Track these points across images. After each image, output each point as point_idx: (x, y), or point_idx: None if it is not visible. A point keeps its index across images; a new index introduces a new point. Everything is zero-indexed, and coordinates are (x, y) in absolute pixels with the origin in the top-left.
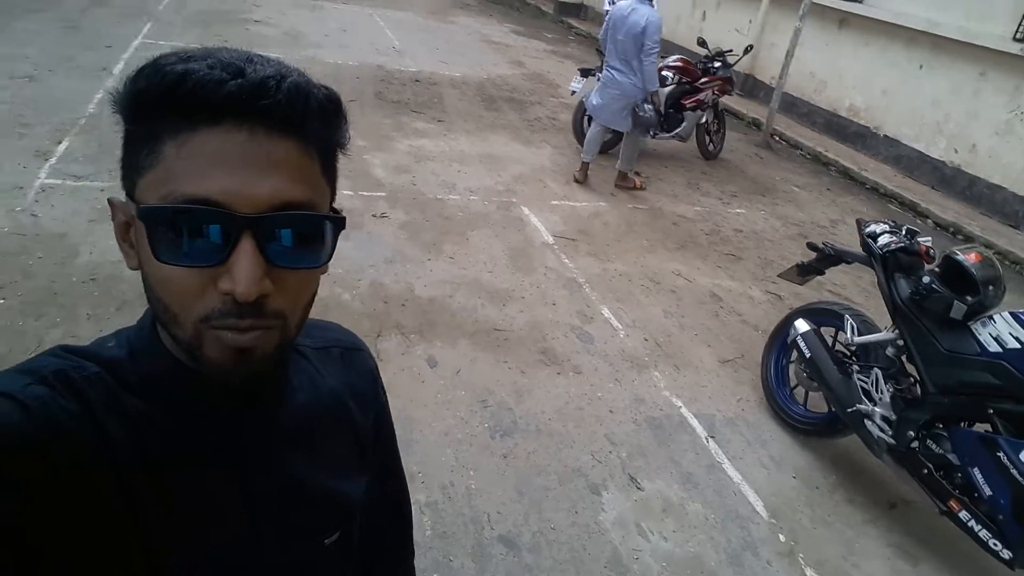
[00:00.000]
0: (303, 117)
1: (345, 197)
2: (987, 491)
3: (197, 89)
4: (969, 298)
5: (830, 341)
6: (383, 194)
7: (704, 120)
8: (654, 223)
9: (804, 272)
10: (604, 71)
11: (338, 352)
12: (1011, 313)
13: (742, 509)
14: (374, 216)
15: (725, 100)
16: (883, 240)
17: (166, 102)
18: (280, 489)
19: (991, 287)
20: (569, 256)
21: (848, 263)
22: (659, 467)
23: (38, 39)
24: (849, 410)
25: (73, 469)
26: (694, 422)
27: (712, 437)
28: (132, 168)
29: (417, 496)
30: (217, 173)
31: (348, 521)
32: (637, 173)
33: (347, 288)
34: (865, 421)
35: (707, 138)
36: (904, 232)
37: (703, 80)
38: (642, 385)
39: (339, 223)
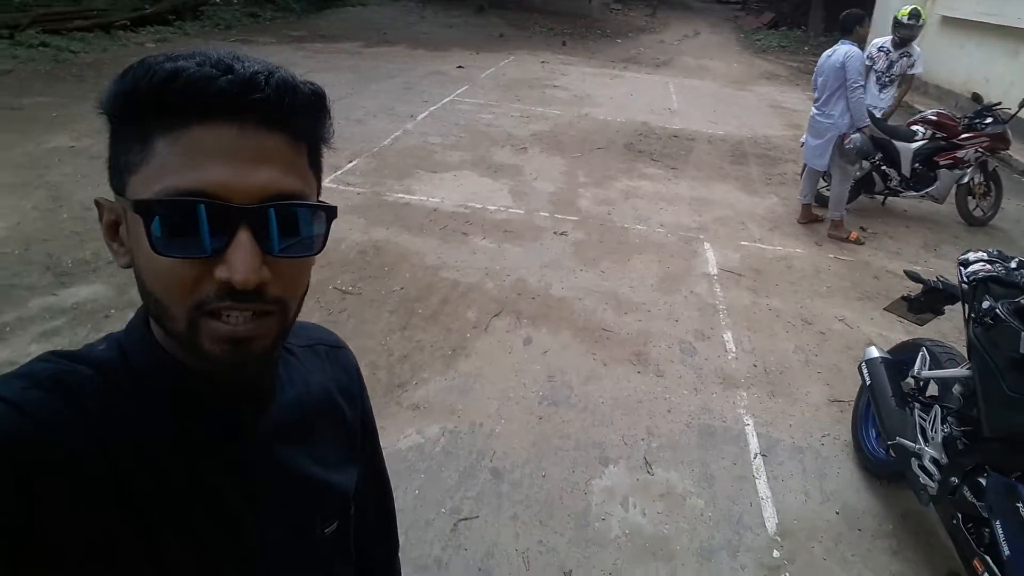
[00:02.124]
0: (291, 110)
1: (540, 217)
2: (1006, 550)
3: (189, 86)
4: None
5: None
6: (575, 219)
7: (967, 180)
8: (849, 274)
9: (916, 309)
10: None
11: (323, 350)
12: None
13: (748, 519)
14: (555, 233)
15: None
16: (973, 268)
17: (157, 100)
18: (278, 482)
19: None
20: (724, 287)
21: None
22: (683, 462)
23: (380, 96)
24: (891, 442)
25: (72, 471)
26: (752, 439)
27: (764, 456)
28: (122, 167)
29: (447, 423)
30: (211, 166)
31: (345, 511)
32: (863, 228)
33: (494, 279)
34: (912, 461)
35: (971, 201)
36: (1013, 263)
37: (964, 136)
38: (720, 400)
39: (331, 212)
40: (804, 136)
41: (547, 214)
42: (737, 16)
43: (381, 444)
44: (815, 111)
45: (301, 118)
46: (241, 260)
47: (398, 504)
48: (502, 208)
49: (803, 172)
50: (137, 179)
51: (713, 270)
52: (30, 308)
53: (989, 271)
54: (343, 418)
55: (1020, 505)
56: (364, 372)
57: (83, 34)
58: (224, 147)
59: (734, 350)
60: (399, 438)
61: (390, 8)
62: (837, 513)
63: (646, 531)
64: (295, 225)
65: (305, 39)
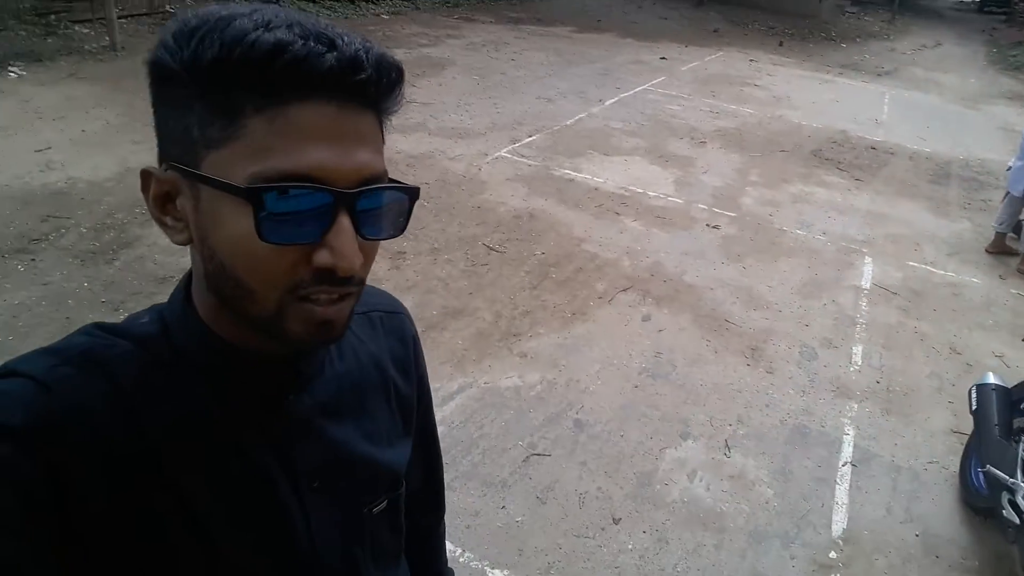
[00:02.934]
0: (387, 90)
1: (697, 208)
2: None
3: (297, 63)
4: None
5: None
6: (733, 214)
7: None
8: None
9: None
10: None
11: (378, 316)
12: None
13: (814, 518)
14: (707, 225)
15: None
16: None
17: (258, 75)
18: (324, 461)
19: None
20: (871, 302)
21: None
22: (764, 453)
23: (576, 79)
24: (982, 470)
25: (104, 452)
26: (847, 448)
27: (854, 465)
28: (196, 139)
29: (547, 374)
30: (313, 148)
31: (394, 489)
32: None
33: (632, 258)
34: (1004, 495)
35: None
36: None
37: None
38: (825, 406)
39: (414, 194)
40: (1012, 159)
41: (705, 207)
42: (995, 28)
43: (483, 381)
44: None
45: (389, 97)
46: (345, 246)
47: (485, 431)
48: (661, 195)
49: (1004, 198)
50: (222, 156)
51: (866, 284)
52: None
53: None
54: (397, 391)
55: None
56: (487, 319)
57: (332, 3)
58: (325, 128)
59: (859, 363)
60: (501, 378)
61: None
62: (917, 536)
63: (704, 503)
64: (388, 209)
65: (522, 21)
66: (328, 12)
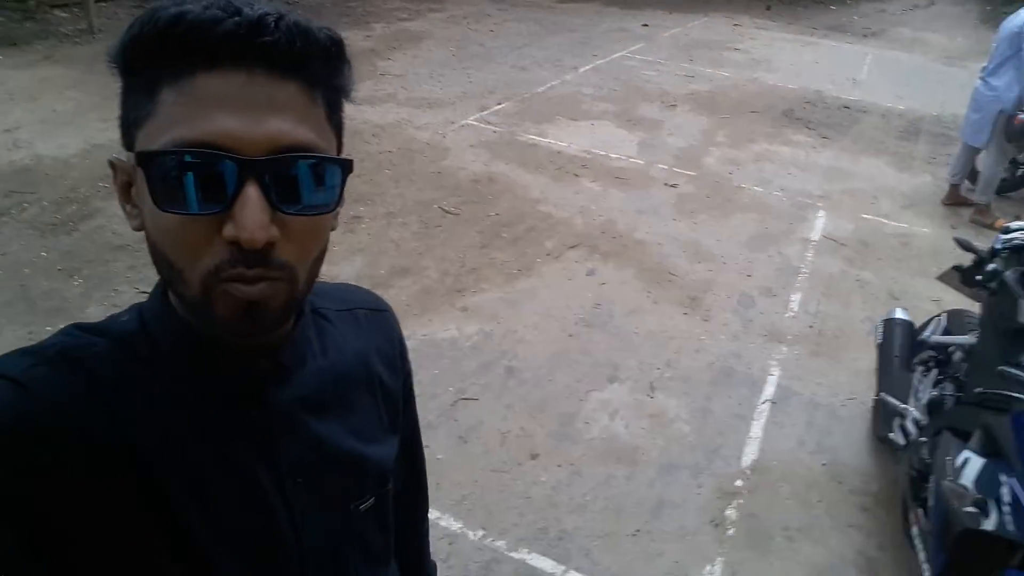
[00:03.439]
0: (304, 57)
1: (658, 168)
2: (931, 500)
3: (192, 29)
4: None
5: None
6: (693, 174)
7: None
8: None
9: (969, 281)
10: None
11: (363, 314)
12: None
13: (726, 451)
14: (665, 184)
15: None
16: (1013, 235)
17: (161, 46)
18: (308, 456)
19: None
20: (817, 253)
21: None
22: (687, 394)
23: (553, 48)
24: (875, 397)
25: (83, 450)
26: (769, 388)
27: (773, 403)
28: (130, 122)
29: (485, 326)
30: (217, 116)
31: (381, 485)
32: (1019, 218)
33: (585, 217)
34: (896, 420)
35: None
36: None
37: None
38: (755, 349)
39: (347, 166)
40: (967, 110)
41: (665, 167)
42: None
43: (421, 333)
44: (979, 82)
45: (315, 65)
46: (248, 216)
47: (417, 379)
48: (623, 157)
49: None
50: (144, 133)
51: (815, 236)
52: None
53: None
54: (383, 387)
55: (950, 459)
56: (433, 277)
57: None
58: (231, 95)
59: (795, 310)
60: (439, 331)
61: None
62: (824, 465)
63: (621, 439)
64: (307, 180)
65: None
66: None
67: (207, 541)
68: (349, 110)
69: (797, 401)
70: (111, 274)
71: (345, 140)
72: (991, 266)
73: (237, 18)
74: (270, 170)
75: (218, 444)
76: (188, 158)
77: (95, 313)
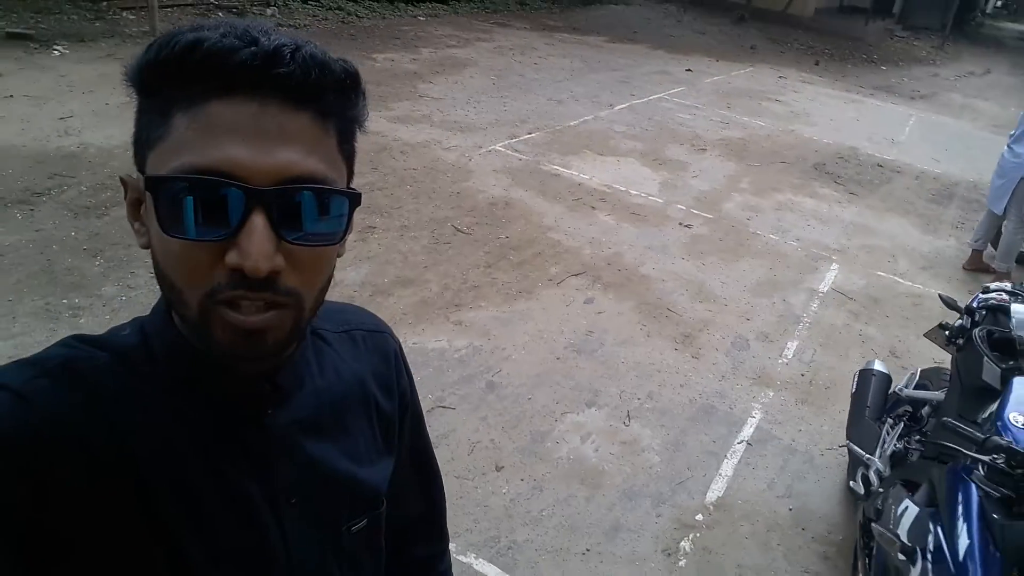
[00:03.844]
0: (319, 88)
1: (676, 208)
2: (875, 550)
3: (209, 57)
4: (1007, 363)
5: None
6: (710, 216)
7: None
8: None
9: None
10: None
11: (361, 335)
12: None
13: (692, 484)
14: (680, 224)
15: None
16: (990, 295)
17: (177, 71)
18: (303, 477)
19: None
20: (823, 304)
21: None
22: (663, 426)
23: (593, 85)
24: (842, 444)
25: (82, 462)
26: (748, 429)
27: (749, 444)
28: (143, 143)
29: (475, 340)
30: (227, 144)
31: (374, 508)
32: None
33: (594, 248)
34: (859, 470)
35: None
36: None
37: None
38: (741, 391)
39: (355, 199)
40: (992, 176)
41: (683, 207)
42: None
43: (412, 342)
44: (1005, 148)
45: (330, 97)
46: (253, 245)
47: None
48: (643, 194)
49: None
50: (154, 155)
51: (823, 288)
52: None
53: (1002, 300)
54: (378, 409)
55: (893, 508)
56: (434, 290)
57: (371, 2)
58: (243, 124)
59: (789, 357)
60: (430, 341)
61: (651, 10)
62: (790, 510)
63: (588, 462)
64: (314, 211)
65: (557, 29)
66: (367, 12)
67: (199, 557)
68: (382, 127)
69: (775, 445)
70: (131, 258)
71: (373, 155)
72: (958, 322)
73: (254, 48)
74: (277, 200)
75: (214, 462)
76: (196, 185)
77: (109, 292)
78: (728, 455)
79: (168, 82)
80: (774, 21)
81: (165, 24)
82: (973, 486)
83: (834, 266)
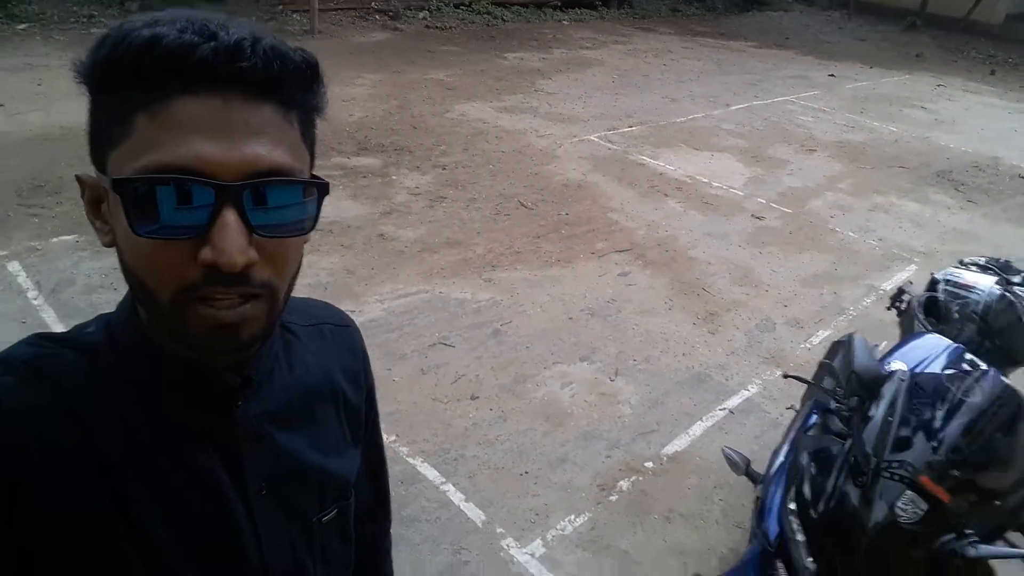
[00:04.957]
0: (280, 80)
1: (754, 201)
2: None
3: (168, 55)
4: (937, 327)
5: None
6: (788, 211)
7: None
8: None
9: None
10: None
11: (328, 329)
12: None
13: (654, 438)
14: (752, 215)
15: None
16: (956, 268)
17: (135, 70)
18: (273, 469)
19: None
20: (877, 302)
21: None
22: (648, 385)
23: (717, 86)
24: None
25: (49, 460)
26: (735, 399)
27: (731, 412)
28: (102, 141)
29: (497, 295)
30: (193, 140)
31: (344, 498)
32: None
33: (650, 230)
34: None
35: None
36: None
37: None
38: (745, 367)
39: (323, 189)
40: None
41: (763, 201)
42: None
43: (439, 291)
44: None
45: (291, 87)
46: (226, 241)
47: (413, 322)
48: (724, 187)
49: None
50: (117, 155)
51: (886, 286)
52: (329, 161)
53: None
54: (346, 401)
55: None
56: (478, 252)
57: (519, 8)
58: (207, 120)
59: (814, 344)
60: (455, 292)
61: (811, 16)
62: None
63: (559, 404)
64: (284, 203)
65: (702, 34)
66: (513, 16)
67: (172, 550)
68: (487, 115)
69: (758, 417)
70: None
71: (469, 138)
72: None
73: (213, 43)
74: (246, 195)
75: (184, 456)
76: (165, 184)
77: None
78: (704, 418)
79: (126, 80)
80: (952, 29)
81: (325, 24)
82: (815, 414)
83: (911, 267)
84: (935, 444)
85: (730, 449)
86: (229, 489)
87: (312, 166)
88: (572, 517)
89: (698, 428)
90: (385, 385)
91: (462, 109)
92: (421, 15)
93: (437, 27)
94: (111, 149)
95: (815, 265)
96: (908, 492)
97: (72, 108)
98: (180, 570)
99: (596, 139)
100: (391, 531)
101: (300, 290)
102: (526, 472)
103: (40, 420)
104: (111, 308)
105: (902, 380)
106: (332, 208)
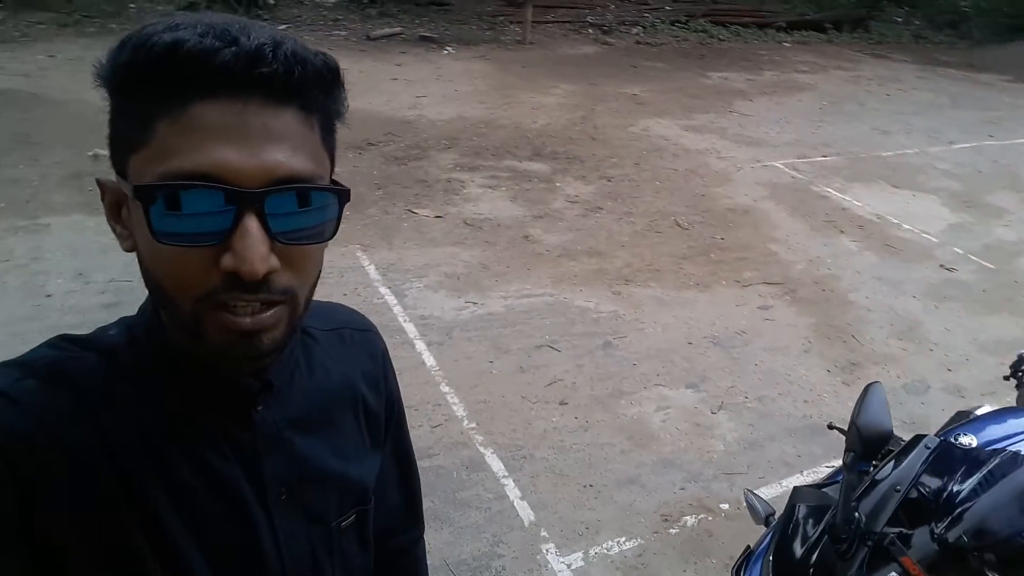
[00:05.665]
0: (301, 85)
1: (948, 250)
2: None
3: (189, 60)
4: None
5: None
6: (990, 266)
7: None
8: None
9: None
10: None
11: (349, 334)
12: None
13: (741, 480)
14: (940, 265)
15: None
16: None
17: (156, 75)
18: (292, 474)
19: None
20: None
21: None
22: (752, 427)
23: (942, 120)
24: None
25: (70, 464)
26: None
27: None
28: (122, 146)
29: (620, 309)
30: (214, 147)
31: (363, 503)
32: None
33: (811, 266)
34: None
35: None
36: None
37: None
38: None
39: (344, 196)
40: None
41: (961, 251)
42: None
43: (564, 296)
44: None
45: (312, 92)
46: (248, 248)
47: (529, 323)
48: (916, 230)
49: None
50: (138, 160)
51: None
52: (501, 163)
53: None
54: (366, 407)
55: None
56: (616, 265)
57: (739, 27)
58: (229, 126)
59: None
60: (580, 300)
61: None
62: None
63: (647, 427)
64: (305, 210)
65: (946, 64)
66: (730, 36)
67: (193, 555)
68: (670, 132)
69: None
70: (404, 195)
71: (644, 153)
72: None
73: (235, 48)
74: (268, 201)
75: (203, 461)
76: (187, 191)
77: (372, 212)
78: (804, 472)
79: (146, 85)
80: None
81: (537, 36)
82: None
83: None
84: (947, 521)
85: (754, 494)
86: (249, 494)
87: (332, 171)
88: (623, 539)
89: (794, 481)
90: (482, 375)
91: (646, 124)
92: (634, 31)
93: (647, 43)
94: (132, 154)
95: (1003, 330)
96: (893, 573)
97: None
98: (200, 572)
99: (781, 166)
100: (424, 538)
101: (434, 277)
102: (590, 485)
103: (61, 424)
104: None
105: (928, 448)
106: (489, 206)
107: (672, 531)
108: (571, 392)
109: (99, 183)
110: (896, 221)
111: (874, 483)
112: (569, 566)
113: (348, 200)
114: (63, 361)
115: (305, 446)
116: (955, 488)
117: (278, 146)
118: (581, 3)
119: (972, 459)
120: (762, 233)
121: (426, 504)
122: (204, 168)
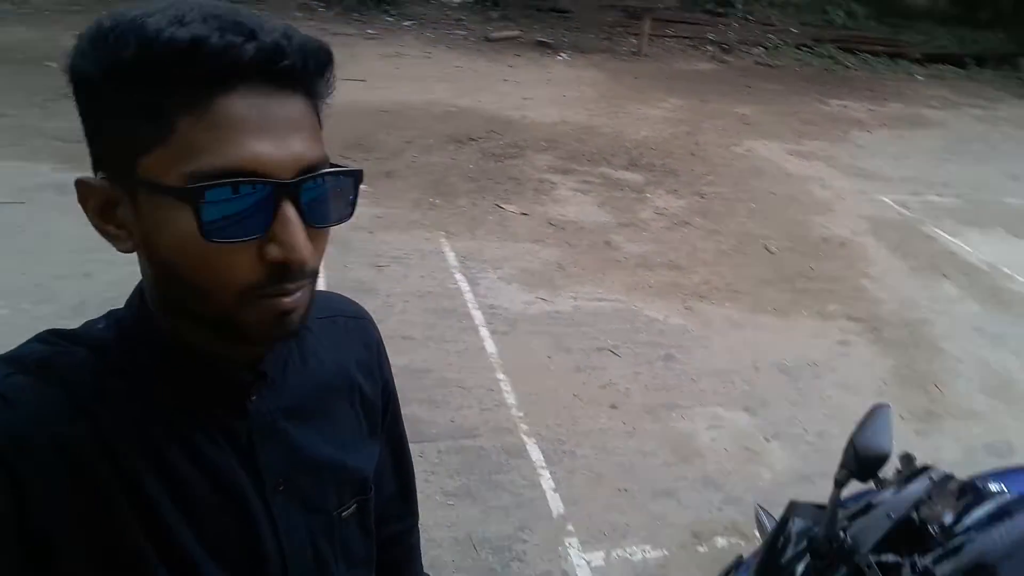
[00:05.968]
0: (309, 74)
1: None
2: None
3: (214, 57)
4: None
5: None
6: None
7: None
8: None
9: None
10: None
11: (343, 321)
12: None
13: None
14: None
15: None
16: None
17: (175, 72)
18: (289, 464)
19: None
20: None
21: None
22: (805, 459)
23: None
24: None
25: (62, 460)
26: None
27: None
28: (122, 145)
29: (689, 324)
30: (247, 141)
31: (363, 492)
32: None
33: (901, 307)
34: None
35: None
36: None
37: None
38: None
39: (358, 176)
40: None
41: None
42: None
43: (634, 305)
44: None
45: (315, 80)
46: (293, 237)
47: (595, 326)
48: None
49: None
50: (155, 158)
51: None
52: (596, 169)
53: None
54: (362, 395)
55: None
56: (694, 281)
57: (868, 55)
58: (254, 119)
59: None
60: (650, 310)
61: None
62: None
63: (694, 443)
64: (332, 195)
65: None
66: (858, 63)
67: (192, 548)
68: (775, 154)
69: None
70: (495, 190)
71: (743, 173)
72: None
73: (255, 42)
74: (302, 190)
75: (200, 452)
76: (233, 188)
77: (461, 202)
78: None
79: (162, 81)
80: None
81: (654, 49)
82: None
83: None
84: (938, 554)
85: (765, 510)
86: (246, 485)
87: None
88: (648, 548)
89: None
90: (539, 369)
91: (750, 145)
92: (755, 51)
93: (767, 64)
94: (143, 153)
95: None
96: None
97: (406, 90)
98: (201, 564)
99: (889, 200)
100: (418, 527)
101: (509, 270)
102: (625, 489)
103: (53, 420)
104: None
105: (932, 479)
106: (575, 209)
107: (700, 549)
108: (623, 398)
109: (82, 183)
110: (1009, 272)
111: (870, 506)
112: (589, 563)
113: (362, 181)
114: (53, 356)
115: (300, 435)
116: (953, 522)
117: (299, 135)
118: (703, 20)
119: (977, 496)
120: (856, 268)
121: (461, 480)
122: (241, 163)
